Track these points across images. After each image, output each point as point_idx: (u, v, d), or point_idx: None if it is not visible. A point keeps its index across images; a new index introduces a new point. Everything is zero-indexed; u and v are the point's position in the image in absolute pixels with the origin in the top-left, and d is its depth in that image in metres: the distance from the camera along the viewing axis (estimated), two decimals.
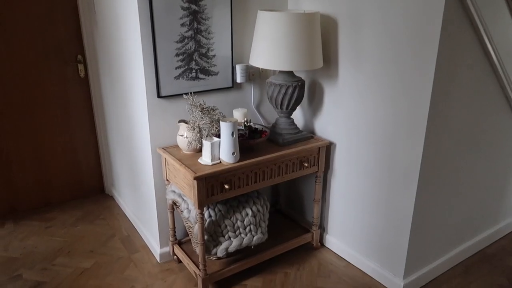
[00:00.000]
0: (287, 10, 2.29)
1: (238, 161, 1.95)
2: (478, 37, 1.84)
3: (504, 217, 2.64)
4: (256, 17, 2.28)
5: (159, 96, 2.09)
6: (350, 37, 2.06)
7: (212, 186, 1.90)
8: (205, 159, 1.95)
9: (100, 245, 2.55)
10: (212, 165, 1.92)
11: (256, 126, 2.20)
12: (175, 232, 2.31)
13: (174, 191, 2.12)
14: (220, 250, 2.06)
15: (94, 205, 3.04)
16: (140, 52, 2.00)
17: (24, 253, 2.46)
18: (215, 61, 2.21)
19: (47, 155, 2.90)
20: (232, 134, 1.87)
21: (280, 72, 2.16)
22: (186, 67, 2.13)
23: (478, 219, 2.43)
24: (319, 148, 2.25)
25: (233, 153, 1.91)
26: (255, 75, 2.38)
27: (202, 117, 1.97)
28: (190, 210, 2.02)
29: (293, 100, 2.18)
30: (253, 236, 2.13)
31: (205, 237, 2.02)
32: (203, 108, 1.99)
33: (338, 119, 2.25)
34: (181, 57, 2.09)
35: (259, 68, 2.30)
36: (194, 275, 2.15)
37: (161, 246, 2.37)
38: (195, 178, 1.82)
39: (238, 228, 2.08)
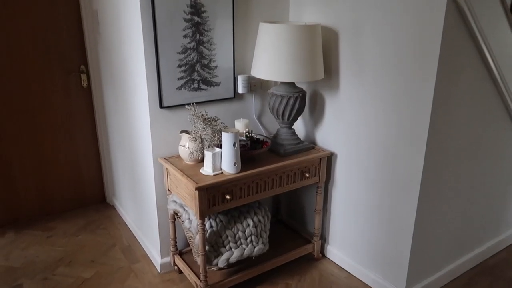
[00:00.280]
0: (289, 22, 2.31)
1: (240, 172, 1.95)
2: (477, 47, 1.85)
3: (506, 227, 2.63)
4: (257, 28, 2.31)
5: (161, 106, 2.11)
6: (351, 49, 2.08)
7: (213, 197, 1.91)
8: (207, 169, 1.95)
9: (101, 255, 2.55)
10: (214, 175, 1.93)
11: (258, 137, 2.21)
12: (176, 242, 2.31)
13: (175, 201, 2.12)
14: (221, 261, 2.06)
15: (95, 214, 3.04)
16: (143, 63, 2.02)
17: (25, 263, 2.46)
18: (217, 72, 2.23)
19: (49, 164, 2.91)
20: (234, 145, 1.88)
21: (282, 83, 2.18)
22: (188, 78, 2.15)
23: (480, 229, 2.43)
24: (320, 158, 2.26)
25: (234, 164, 1.92)
26: (256, 86, 2.40)
27: (204, 128, 1.98)
28: (191, 220, 2.03)
29: (294, 111, 2.19)
30: (254, 247, 2.12)
31: (206, 247, 2.02)
32: (205, 118, 2.00)
33: (339, 129, 2.26)
34: (183, 68, 2.11)
35: (260, 79, 2.32)
36: (195, 285, 2.15)
37: (162, 256, 2.37)
38: (196, 189, 1.83)
39: (239, 238, 2.08)
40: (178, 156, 2.17)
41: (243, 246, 2.10)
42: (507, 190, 2.49)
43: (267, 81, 2.42)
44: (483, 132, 2.12)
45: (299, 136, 2.35)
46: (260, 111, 2.49)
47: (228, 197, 1.93)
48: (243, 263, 2.22)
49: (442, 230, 2.17)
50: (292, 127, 2.29)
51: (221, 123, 2.04)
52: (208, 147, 1.98)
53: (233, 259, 2.07)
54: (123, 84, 2.39)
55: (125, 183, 2.79)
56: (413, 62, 1.80)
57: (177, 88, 2.12)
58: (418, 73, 1.79)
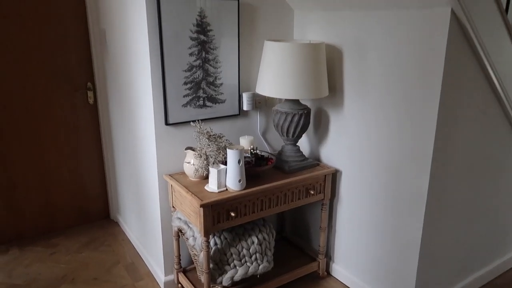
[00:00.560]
0: (293, 41, 2.34)
1: (245, 189, 1.95)
2: (481, 65, 1.87)
3: None
4: (262, 47, 2.34)
5: (167, 123, 2.12)
6: (354, 67, 2.10)
7: (218, 214, 1.90)
8: (212, 186, 1.95)
9: (104, 272, 2.53)
10: (219, 192, 1.93)
11: (262, 154, 2.21)
12: (180, 259, 2.29)
13: (180, 218, 2.12)
14: (225, 279, 2.04)
15: (99, 231, 3.03)
16: (149, 80, 2.05)
17: (28, 280, 2.44)
18: (222, 89, 2.25)
19: (53, 180, 2.92)
20: (239, 162, 1.89)
21: (286, 100, 2.20)
22: (194, 95, 2.17)
23: (487, 248, 2.39)
24: (325, 175, 2.25)
25: (239, 181, 1.92)
26: (261, 103, 2.41)
27: (209, 144, 1.99)
28: (195, 237, 2.01)
29: (299, 128, 2.20)
30: (259, 265, 2.10)
31: (211, 265, 2.00)
32: (210, 135, 2.01)
33: (344, 146, 2.26)
34: (189, 85, 2.14)
35: (265, 96, 2.34)
36: None
37: (166, 274, 2.35)
38: (201, 206, 1.83)
39: (244, 256, 2.06)
40: (183, 173, 2.17)
41: (248, 264, 2.08)
42: None
43: (272, 98, 2.44)
44: (489, 150, 2.12)
45: (303, 153, 2.35)
46: (265, 128, 2.50)
47: (232, 214, 1.92)
48: (247, 282, 2.20)
49: (449, 248, 2.14)
50: (297, 144, 2.30)
51: (226, 140, 2.05)
52: (213, 164, 1.98)
53: (237, 277, 2.05)
54: (129, 101, 2.42)
55: (130, 200, 2.79)
56: (416, 81, 1.81)
57: (182, 105, 2.14)
58: (422, 92, 1.80)
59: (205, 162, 1.99)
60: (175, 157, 2.20)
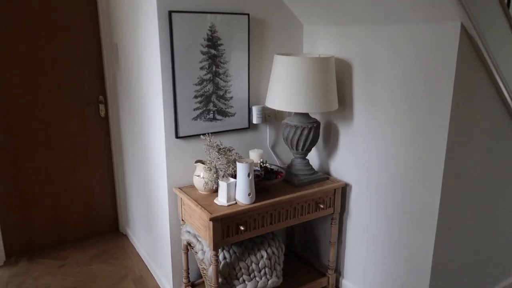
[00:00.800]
0: (303, 54, 2.36)
1: (254, 202, 1.95)
2: (492, 79, 1.86)
3: None
4: (272, 60, 2.36)
5: (177, 136, 2.13)
6: (364, 80, 2.11)
7: (227, 227, 1.89)
8: (221, 199, 1.95)
9: (112, 285, 2.52)
10: (228, 206, 1.92)
11: (272, 167, 2.21)
12: (188, 273, 2.28)
13: (189, 232, 2.11)
14: None
15: (108, 243, 3.04)
16: (160, 94, 2.07)
17: None
18: (232, 102, 2.27)
19: (63, 193, 2.95)
20: (248, 175, 1.89)
21: (296, 113, 2.20)
22: (204, 108, 2.18)
23: (500, 264, 2.34)
24: (335, 189, 2.24)
25: (249, 194, 1.92)
26: (271, 116, 2.42)
27: (219, 158, 1.99)
28: (204, 251, 2.01)
29: (308, 141, 2.19)
30: (268, 280, 2.08)
31: (220, 279, 1.99)
32: (220, 148, 2.02)
33: (353, 160, 2.25)
34: (199, 99, 2.15)
35: (275, 109, 2.34)
36: None
37: None
38: (211, 219, 1.82)
39: (253, 271, 2.04)
40: (193, 186, 2.18)
41: (257, 278, 2.06)
42: None
43: (281, 111, 2.44)
44: (502, 163, 2.09)
45: (313, 166, 2.34)
46: (274, 141, 2.50)
47: (242, 228, 1.91)
48: None
49: (461, 264, 2.10)
50: (306, 157, 2.29)
51: (236, 153, 2.06)
52: (223, 177, 1.98)
53: None
54: (140, 115, 2.44)
55: (139, 212, 2.79)
56: (426, 95, 1.81)
57: (192, 119, 2.16)
58: (432, 106, 1.79)
59: (214, 175, 1.99)
60: (185, 170, 2.20)
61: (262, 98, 2.39)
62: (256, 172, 2.12)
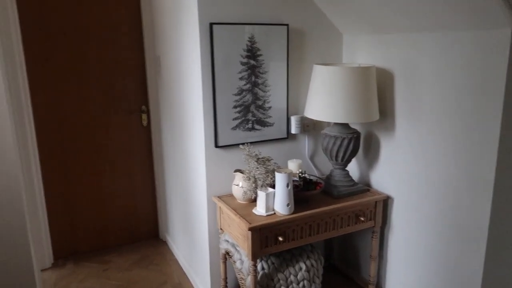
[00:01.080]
0: (342, 64, 2.33)
1: (293, 213, 1.93)
2: None
3: None
4: (311, 70, 2.35)
5: (216, 145, 2.16)
6: (406, 90, 2.05)
7: (266, 238, 1.89)
8: (260, 209, 1.95)
9: None
10: (267, 216, 1.92)
11: (311, 178, 2.19)
12: (226, 282, 2.29)
13: (227, 241, 2.13)
14: None
15: (149, 249, 3.11)
16: (200, 104, 2.11)
17: None
18: (270, 112, 2.27)
19: (107, 199, 3.06)
20: (287, 185, 1.88)
21: (335, 123, 2.17)
22: (243, 118, 2.20)
23: None
24: (376, 201, 2.18)
25: (287, 205, 1.90)
26: (309, 127, 2.41)
27: (257, 167, 2.00)
28: (243, 261, 2.01)
29: (348, 152, 2.16)
30: None
31: None
32: (259, 158, 2.02)
33: (395, 172, 2.18)
34: (238, 108, 2.18)
35: (313, 119, 2.33)
36: None
37: None
38: (249, 229, 1.82)
39: (291, 283, 2.02)
40: (231, 195, 2.19)
41: None
42: None
43: (320, 121, 2.42)
44: None
45: (353, 178, 2.30)
46: (313, 151, 2.48)
47: (280, 238, 1.90)
48: None
49: None
50: (346, 168, 2.25)
51: (274, 163, 2.06)
52: (261, 186, 1.98)
53: None
54: (181, 124, 2.50)
55: (178, 220, 2.85)
56: (474, 106, 1.73)
57: (232, 128, 2.18)
58: (481, 117, 1.71)
59: (253, 185, 2.00)
60: (224, 179, 2.23)
61: (300, 108, 2.38)
62: (295, 183, 2.11)
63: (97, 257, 3.01)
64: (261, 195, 1.93)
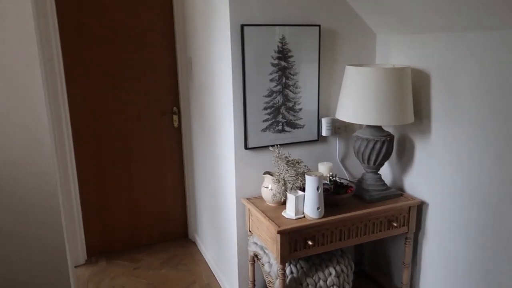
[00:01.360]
0: (375, 65, 2.27)
1: (323, 217, 1.90)
2: None
3: None
4: (343, 71, 2.30)
5: (246, 147, 2.16)
6: (444, 92, 1.97)
7: (295, 241, 1.86)
8: (289, 212, 1.93)
9: None
10: (296, 219, 1.89)
11: (342, 181, 2.14)
12: (254, 285, 2.28)
13: (256, 243, 2.11)
14: None
15: (178, 249, 3.15)
16: (231, 105, 2.11)
17: None
18: (301, 114, 2.25)
19: (139, 199, 3.11)
20: (318, 189, 1.84)
21: (368, 126, 2.12)
22: (273, 120, 2.19)
23: None
24: (410, 207, 2.11)
25: (318, 208, 1.87)
26: (340, 129, 2.36)
27: (287, 170, 1.97)
28: (271, 264, 1.99)
29: (381, 155, 2.10)
30: None
31: None
32: (289, 160, 2.00)
33: (431, 176, 2.10)
34: (268, 110, 2.16)
35: (345, 122, 2.28)
36: None
37: None
38: (278, 232, 1.80)
39: None
40: (261, 197, 2.18)
41: None
42: None
43: (351, 124, 2.37)
44: None
45: (385, 182, 2.23)
46: (344, 154, 2.43)
47: (310, 242, 1.87)
48: None
49: None
50: (378, 172, 2.19)
51: (305, 166, 2.03)
52: (291, 189, 1.96)
53: None
54: (211, 125, 2.51)
55: (207, 221, 2.86)
56: None
57: (262, 130, 2.17)
58: None
59: (283, 187, 1.98)
60: (253, 181, 2.22)
61: (332, 110, 2.34)
62: (325, 186, 2.07)
63: (128, 255, 3.07)
64: (291, 198, 1.91)
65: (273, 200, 2.03)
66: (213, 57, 2.34)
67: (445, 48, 1.93)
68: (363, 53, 2.36)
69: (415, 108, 2.14)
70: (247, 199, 2.18)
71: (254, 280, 2.27)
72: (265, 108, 2.16)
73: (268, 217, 1.93)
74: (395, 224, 2.07)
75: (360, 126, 2.38)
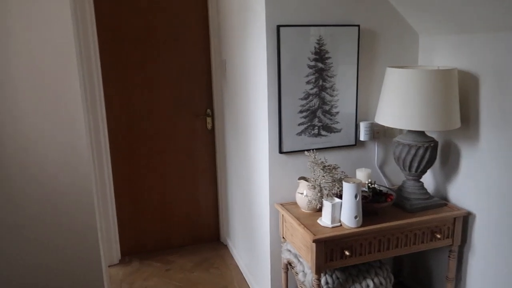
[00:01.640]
0: (418, 67, 2.16)
1: (361, 226, 1.81)
2: None
3: None
4: (383, 74, 2.20)
5: (280, 151, 2.10)
6: (494, 96, 1.83)
7: (331, 251, 1.78)
8: (325, 220, 1.85)
9: None
10: (332, 227, 1.81)
11: (381, 188, 2.04)
12: None
13: (289, 251, 2.05)
14: None
15: (210, 252, 3.13)
16: (265, 108, 2.06)
17: None
18: (338, 118, 2.16)
19: (172, 201, 3.12)
20: (356, 196, 1.76)
21: (409, 131, 2.01)
22: (309, 123, 2.12)
23: None
24: (455, 218, 1.97)
25: (355, 217, 1.78)
26: (379, 134, 2.26)
27: (323, 176, 1.90)
28: (306, 273, 1.92)
29: (423, 162, 1.98)
30: None
31: None
32: (325, 166, 1.92)
33: (478, 186, 1.96)
34: (304, 113, 2.10)
35: (384, 126, 2.18)
36: None
37: None
38: (314, 241, 1.73)
39: None
40: (295, 203, 2.11)
41: None
42: None
43: (391, 128, 2.26)
44: None
45: (428, 190, 2.11)
46: (383, 160, 2.32)
47: (347, 253, 1.79)
48: None
49: None
50: (420, 179, 2.07)
51: (342, 172, 1.94)
52: (327, 196, 1.88)
53: None
54: (245, 128, 2.47)
55: (239, 225, 2.82)
56: None
57: (297, 134, 2.11)
58: None
59: (318, 194, 1.90)
60: (288, 186, 2.15)
61: (371, 113, 2.24)
62: (364, 193, 1.97)
63: (161, 256, 3.08)
64: (327, 205, 1.83)
65: (308, 206, 1.96)
66: (247, 59, 2.29)
67: (497, 49, 1.80)
68: (405, 55, 2.24)
69: (461, 113, 2.01)
70: (281, 204, 2.12)
71: None
72: (301, 111, 2.09)
73: (303, 224, 1.86)
74: (438, 236, 1.95)
75: (401, 131, 2.26)
